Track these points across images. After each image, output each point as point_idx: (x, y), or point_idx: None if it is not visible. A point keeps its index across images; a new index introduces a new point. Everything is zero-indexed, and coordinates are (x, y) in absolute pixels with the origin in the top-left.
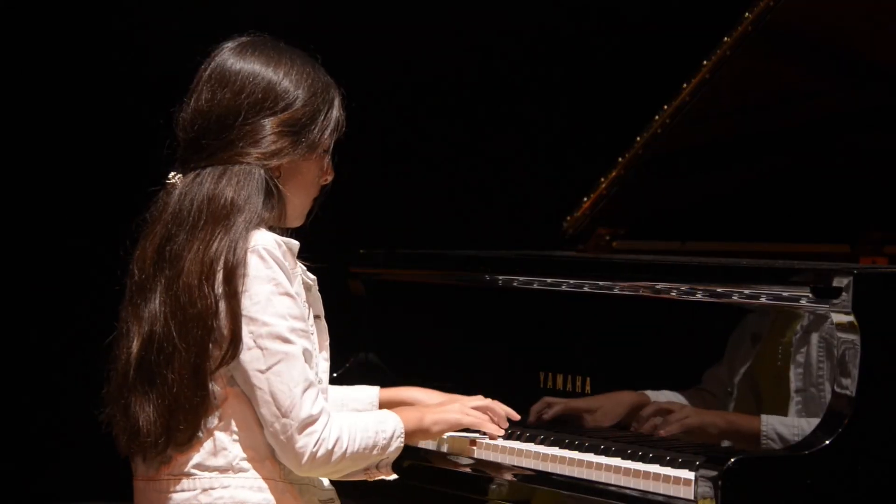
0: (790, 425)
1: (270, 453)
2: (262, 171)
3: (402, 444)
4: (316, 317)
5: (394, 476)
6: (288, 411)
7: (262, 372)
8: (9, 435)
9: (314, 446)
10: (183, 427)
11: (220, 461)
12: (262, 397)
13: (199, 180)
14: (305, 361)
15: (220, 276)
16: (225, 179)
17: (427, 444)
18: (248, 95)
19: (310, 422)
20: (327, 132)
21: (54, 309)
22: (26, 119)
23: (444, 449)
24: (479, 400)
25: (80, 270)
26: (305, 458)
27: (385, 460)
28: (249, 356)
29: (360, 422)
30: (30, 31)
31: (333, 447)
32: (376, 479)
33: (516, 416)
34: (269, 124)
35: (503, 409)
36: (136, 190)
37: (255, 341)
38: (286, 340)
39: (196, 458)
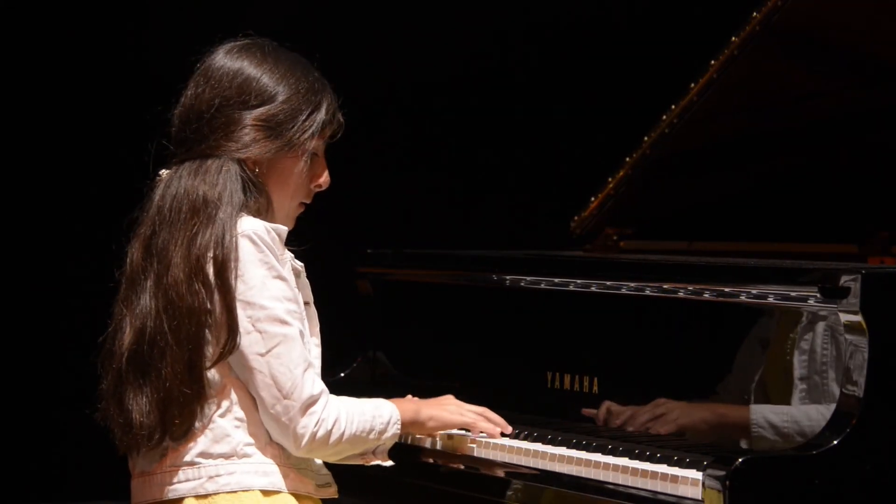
0: (779, 413)
1: (271, 438)
2: (235, 165)
3: (399, 431)
4: (305, 303)
5: (390, 462)
6: (290, 393)
7: (261, 355)
8: (10, 435)
9: (315, 426)
10: (178, 421)
11: (223, 448)
12: (262, 380)
13: (178, 174)
14: (302, 344)
15: (210, 269)
16: (200, 174)
17: (433, 443)
18: (225, 89)
19: (311, 402)
20: (307, 133)
21: (52, 307)
22: (24, 116)
23: (451, 448)
24: (472, 407)
25: (78, 268)
26: (306, 438)
27: (381, 446)
28: (248, 340)
29: (358, 406)
30: (34, 31)
31: (332, 428)
32: (372, 464)
33: (508, 429)
34: (244, 118)
35: (497, 418)
36: (129, 186)
37: (253, 325)
38: (284, 322)
39: (199, 446)
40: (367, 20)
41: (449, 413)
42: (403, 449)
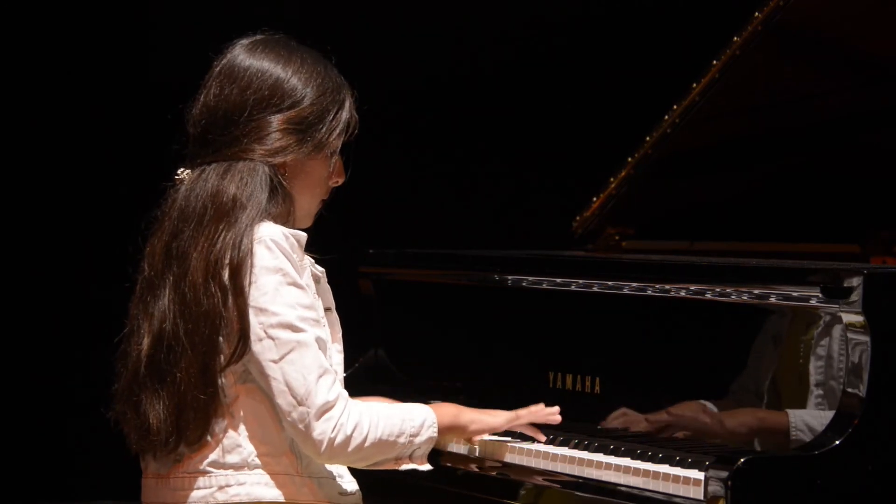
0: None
1: (287, 448)
2: (266, 168)
3: (436, 435)
4: (327, 309)
5: (427, 467)
6: (304, 399)
7: (275, 362)
8: (19, 434)
9: (332, 432)
10: (192, 426)
11: (234, 458)
12: (277, 387)
13: (204, 176)
14: (319, 349)
15: (226, 272)
16: (229, 175)
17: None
18: (255, 91)
19: (327, 408)
20: (335, 133)
21: (63, 305)
22: (39, 117)
23: (449, 448)
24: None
25: (90, 267)
26: (324, 444)
27: (418, 451)
28: (261, 347)
29: (386, 410)
30: (50, 30)
31: (352, 433)
32: (405, 468)
33: (557, 419)
34: (275, 121)
35: (544, 415)
36: (146, 186)
37: (265, 332)
38: (297, 329)
39: (211, 455)
40: (365, 17)
41: (492, 416)
42: None
